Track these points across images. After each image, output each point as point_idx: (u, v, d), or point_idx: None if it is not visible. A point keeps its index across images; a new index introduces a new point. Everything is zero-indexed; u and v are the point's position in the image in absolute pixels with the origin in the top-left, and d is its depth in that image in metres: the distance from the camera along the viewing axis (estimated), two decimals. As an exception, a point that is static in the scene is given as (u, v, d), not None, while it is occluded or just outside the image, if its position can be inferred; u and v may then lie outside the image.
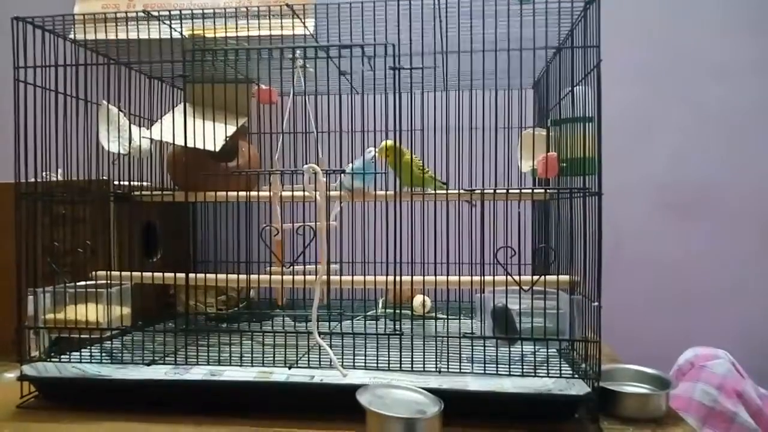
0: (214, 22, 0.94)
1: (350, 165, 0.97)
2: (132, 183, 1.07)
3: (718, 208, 1.40)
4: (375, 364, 0.83)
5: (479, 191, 0.86)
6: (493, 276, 0.84)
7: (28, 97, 0.91)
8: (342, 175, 0.96)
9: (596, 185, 0.79)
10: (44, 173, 1.08)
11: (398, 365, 0.83)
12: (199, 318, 1.15)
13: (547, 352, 0.82)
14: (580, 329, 0.82)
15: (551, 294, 0.81)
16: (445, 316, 1.06)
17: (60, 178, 1.11)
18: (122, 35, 0.98)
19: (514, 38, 0.85)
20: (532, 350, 0.84)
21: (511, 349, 0.84)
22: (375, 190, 0.96)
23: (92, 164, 0.99)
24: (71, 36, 0.98)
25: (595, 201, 0.79)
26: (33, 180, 1.01)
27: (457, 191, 0.90)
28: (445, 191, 0.91)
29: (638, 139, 1.42)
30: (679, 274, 1.40)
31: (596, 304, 0.78)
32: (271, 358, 0.87)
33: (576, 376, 0.79)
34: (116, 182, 1.07)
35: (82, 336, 0.89)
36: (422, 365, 0.82)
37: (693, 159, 1.40)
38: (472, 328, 0.94)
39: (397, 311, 0.84)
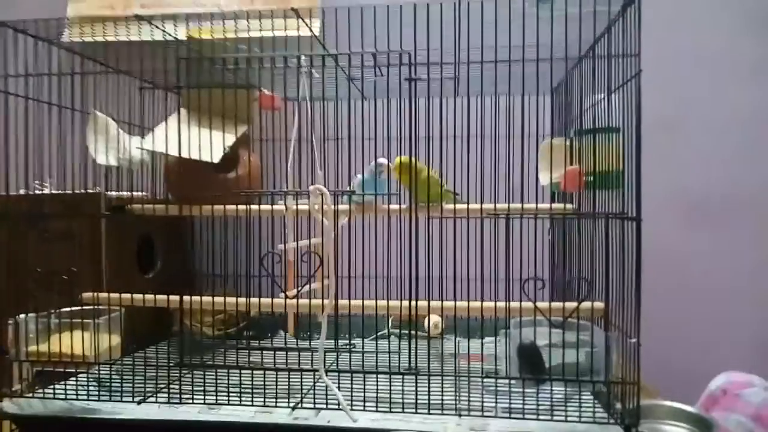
0: (212, 24, 0.86)
1: (358, 176, 0.89)
2: (127, 195, 1.00)
3: (748, 218, 1.31)
4: (388, 405, 0.75)
5: (505, 210, 0.77)
6: (520, 303, 0.76)
7: (9, 107, 0.83)
8: (349, 186, 0.88)
9: (634, 209, 0.71)
10: (35, 183, 1.02)
11: (413, 405, 0.75)
12: (196, 338, 1.08)
13: (579, 392, 0.74)
14: (615, 367, 0.74)
15: (584, 329, 0.73)
16: (458, 338, 0.98)
17: (54, 190, 1.05)
18: (115, 38, 0.90)
19: (536, 43, 0.77)
20: (563, 390, 0.76)
21: (539, 389, 0.77)
22: (389, 203, 0.88)
23: (81, 176, 0.91)
24: (63, 39, 0.90)
25: (633, 227, 0.71)
26: (21, 193, 0.94)
27: (479, 206, 0.82)
28: (465, 206, 0.83)
29: (662, 144, 1.33)
30: (706, 289, 1.32)
31: (634, 340, 0.70)
32: (274, 393, 0.80)
33: (611, 420, 0.71)
34: (108, 194, 1.00)
35: (67, 370, 0.82)
36: (440, 406, 0.75)
37: (722, 165, 1.32)
38: (496, 360, 0.86)
39: (413, 345, 0.77)
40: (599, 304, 0.75)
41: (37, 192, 1.03)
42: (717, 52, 1.31)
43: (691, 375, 1.13)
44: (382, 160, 0.87)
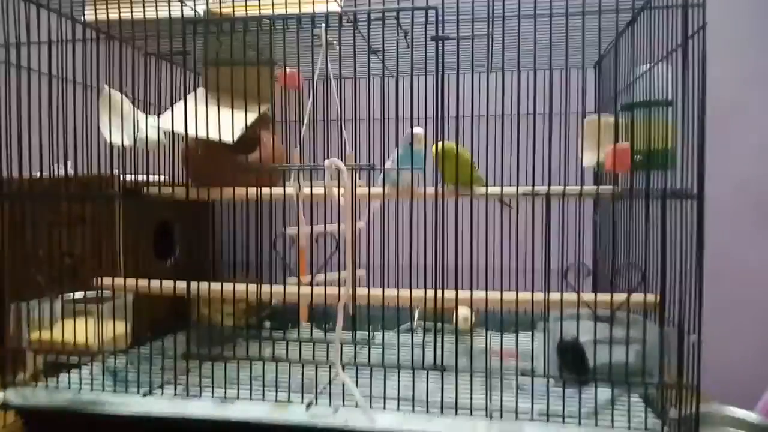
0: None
1: (391, 157, 0.81)
2: (143, 178, 0.96)
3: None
4: (410, 405, 0.68)
5: (544, 190, 0.69)
6: (561, 294, 0.67)
7: (10, 81, 0.79)
8: (386, 167, 0.80)
9: (696, 185, 0.62)
10: (53, 166, 0.98)
11: (439, 406, 0.68)
12: (215, 329, 1.03)
13: (629, 395, 0.65)
14: (670, 368, 0.65)
15: (635, 323, 0.65)
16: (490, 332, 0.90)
17: (71, 171, 1.02)
18: (133, 15, 0.85)
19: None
20: (609, 393, 0.68)
21: (582, 391, 0.68)
22: (425, 186, 0.79)
23: (103, 158, 0.87)
24: (81, 18, 0.86)
25: (693, 206, 0.62)
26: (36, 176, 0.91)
27: (514, 189, 0.74)
28: (498, 189, 0.75)
29: (718, 128, 1.21)
30: (756, 283, 1.19)
31: (694, 337, 0.61)
32: (288, 387, 0.74)
33: (665, 429, 0.62)
34: (123, 177, 0.96)
35: (71, 360, 0.78)
36: (469, 407, 0.67)
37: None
38: (533, 357, 0.77)
39: (438, 339, 0.69)
40: (653, 296, 0.65)
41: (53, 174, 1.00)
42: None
43: (740, 377, 1.02)
44: (418, 130, 0.77)
